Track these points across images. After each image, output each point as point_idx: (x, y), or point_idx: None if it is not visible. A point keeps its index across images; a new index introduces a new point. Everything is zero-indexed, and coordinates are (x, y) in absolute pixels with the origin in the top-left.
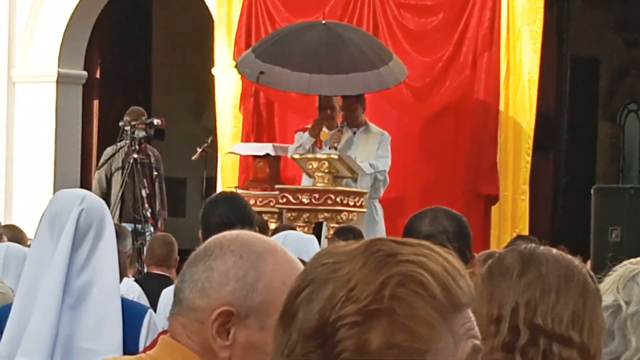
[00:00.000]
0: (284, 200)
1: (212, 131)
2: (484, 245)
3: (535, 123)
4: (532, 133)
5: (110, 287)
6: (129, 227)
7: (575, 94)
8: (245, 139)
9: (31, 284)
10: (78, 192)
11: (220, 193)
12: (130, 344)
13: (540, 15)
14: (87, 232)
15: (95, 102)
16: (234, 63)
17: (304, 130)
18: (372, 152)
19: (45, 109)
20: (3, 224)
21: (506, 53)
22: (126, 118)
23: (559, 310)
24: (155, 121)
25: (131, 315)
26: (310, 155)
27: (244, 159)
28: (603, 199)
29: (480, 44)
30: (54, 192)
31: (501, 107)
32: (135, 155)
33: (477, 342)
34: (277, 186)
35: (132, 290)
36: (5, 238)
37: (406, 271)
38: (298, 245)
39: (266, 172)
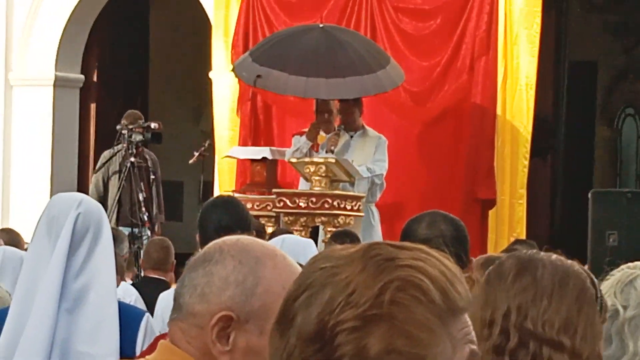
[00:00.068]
0: (281, 204)
1: (210, 135)
2: (481, 249)
3: (533, 127)
4: (529, 137)
5: (107, 290)
6: (126, 230)
7: (572, 98)
8: (243, 142)
9: (28, 288)
10: (75, 195)
11: (217, 197)
12: (127, 348)
13: (537, 19)
14: (84, 236)
15: (93, 106)
16: (231, 67)
17: (301, 134)
18: (369, 155)
19: (42, 112)
20: (0, 227)
21: (504, 57)
22: (123, 121)
23: (550, 315)
24: (153, 125)
25: (128, 319)
26: (307, 159)
27: (241, 163)
28: (600, 203)
29: (478, 48)
30: (51, 195)
31: (499, 111)
32: (132, 159)
33: (474, 347)
34: (274, 190)
35: (129, 294)
36: (1, 241)
37: (405, 276)
38: (296, 249)
39: (263, 175)
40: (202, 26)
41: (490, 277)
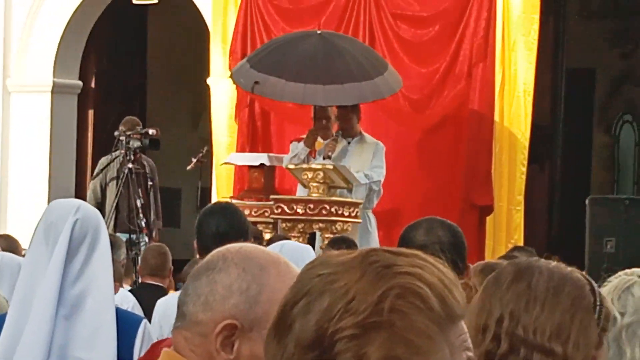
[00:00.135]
0: (279, 210)
1: (208, 141)
2: (478, 256)
3: (531, 133)
4: (527, 144)
5: (105, 297)
6: (123, 237)
7: (570, 104)
8: (240, 149)
9: (26, 294)
10: (73, 201)
11: (215, 203)
12: (124, 354)
13: (535, 26)
14: (81, 242)
15: (90, 112)
16: (229, 73)
17: (299, 140)
18: (367, 162)
19: (40, 118)
20: None
21: (501, 64)
22: (121, 128)
23: (542, 322)
24: (151, 131)
25: (126, 325)
26: (305, 166)
27: (239, 169)
28: (598, 210)
29: (475, 55)
30: (49, 201)
31: (496, 118)
32: (130, 165)
33: (471, 354)
34: (272, 196)
35: (127, 300)
36: None
37: (404, 283)
38: (294, 255)
39: (261, 182)
40: (200, 33)
41: (488, 284)
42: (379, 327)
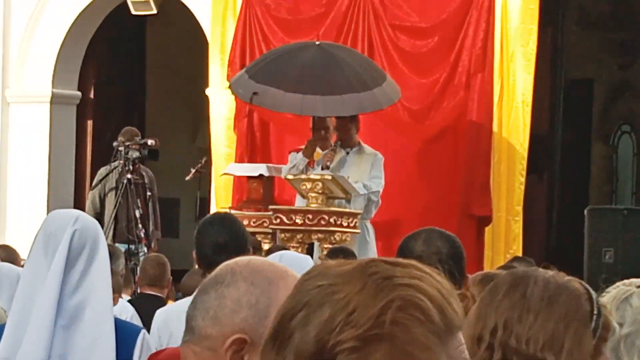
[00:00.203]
0: (278, 220)
1: (206, 152)
2: (477, 266)
3: (529, 144)
4: (525, 154)
5: (104, 307)
6: (122, 247)
7: (568, 115)
8: (239, 159)
9: (25, 304)
10: (72, 212)
11: (214, 214)
12: None
13: (534, 37)
14: (80, 253)
15: (89, 123)
16: (228, 84)
17: (298, 150)
18: (365, 172)
19: (39, 129)
20: None
21: (500, 74)
22: (120, 138)
23: (535, 332)
24: (149, 141)
25: (124, 336)
26: (303, 176)
27: (238, 180)
28: (597, 220)
29: (474, 65)
30: (48, 212)
31: (495, 128)
32: (129, 176)
33: None
34: (270, 207)
35: (125, 310)
36: None
37: (405, 296)
38: (293, 265)
39: (260, 192)
40: (199, 43)
41: (484, 294)
42: (380, 339)
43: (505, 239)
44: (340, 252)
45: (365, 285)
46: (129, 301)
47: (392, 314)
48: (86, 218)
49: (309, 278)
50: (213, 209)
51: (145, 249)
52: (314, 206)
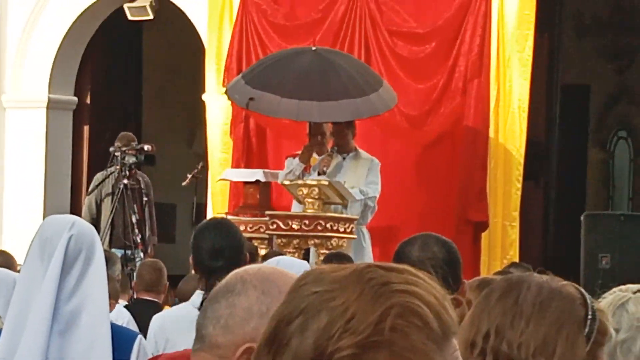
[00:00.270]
0: (274, 226)
1: (203, 157)
2: (474, 272)
3: (526, 150)
4: (522, 160)
5: (100, 312)
6: (119, 252)
7: (565, 120)
8: (236, 165)
9: (21, 309)
10: (68, 217)
11: (210, 219)
12: None
13: (530, 42)
14: (76, 258)
15: (86, 128)
16: (224, 89)
17: (294, 156)
18: (361, 177)
19: (35, 134)
20: None
21: (496, 80)
22: (116, 144)
23: (526, 337)
24: (146, 147)
25: (121, 341)
26: (300, 182)
27: (234, 185)
28: (593, 226)
29: (470, 71)
30: (44, 217)
31: (491, 134)
32: (125, 181)
33: None
34: (267, 212)
35: (122, 316)
36: None
37: (403, 302)
38: (291, 271)
39: (256, 198)
40: (195, 49)
41: (479, 299)
42: (379, 346)
43: (501, 244)
44: (337, 258)
45: (362, 291)
46: (125, 306)
47: (391, 320)
48: (82, 223)
49: (304, 284)
50: (209, 215)
51: (141, 255)
52: (310, 212)
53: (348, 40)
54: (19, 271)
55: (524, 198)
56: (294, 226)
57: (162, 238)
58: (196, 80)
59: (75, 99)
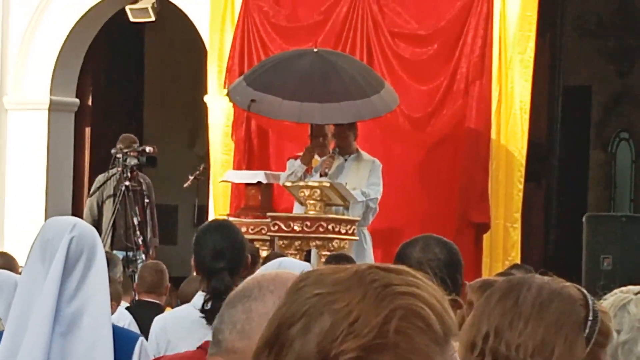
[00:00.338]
0: (276, 227)
1: (205, 158)
2: (475, 273)
3: (527, 151)
4: (524, 161)
5: (102, 314)
6: (120, 254)
7: (567, 122)
8: (237, 166)
9: (22, 311)
10: (69, 219)
11: (212, 221)
12: None
13: (531, 44)
14: (78, 260)
15: (87, 130)
16: (226, 91)
17: (296, 157)
18: (363, 179)
19: (37, 136)
20: None
21: (498, 81)
22: (118, 145)
23: (525, 338)
24: (147, 149)
25: (122, 343)
26: (302, 183)
27: (236, 187)
28: (595, 227)
29: (472, 73)
30: (46, 219)
31: (493, 135)
32: (126, 183)
33: None
34: (268, 214)
35: (123, 318)
36: None
37: (407, 305)
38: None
39: (258, 199)
40: (197, 50)
41: (481, 300)
42: (383, 349)
43: (503, 246)
44: (339, 259)
45: (365, 294)
46: (127, 308)
47: (396, 323)
48: (84, 225)
49: (304, 285)
50: (211, 216)
51: (143, 256)
52: (312, 213)
53: (350, 41)
54: (20, 273)
55: (525, 199)
56: (296, 228)
57: (163, 240)
58: (198, 82)
59: (77, 100)
